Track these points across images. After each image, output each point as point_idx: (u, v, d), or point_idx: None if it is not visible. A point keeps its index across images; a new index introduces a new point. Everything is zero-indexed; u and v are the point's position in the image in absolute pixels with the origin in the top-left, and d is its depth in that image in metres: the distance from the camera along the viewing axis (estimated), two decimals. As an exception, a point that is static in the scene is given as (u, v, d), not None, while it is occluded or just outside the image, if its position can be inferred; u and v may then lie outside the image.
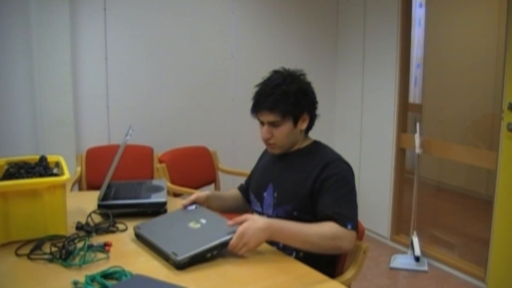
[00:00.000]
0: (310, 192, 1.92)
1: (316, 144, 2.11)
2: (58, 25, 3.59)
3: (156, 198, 2.23)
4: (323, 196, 1.89)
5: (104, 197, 2.19)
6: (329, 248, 1.78)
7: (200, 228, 1.80)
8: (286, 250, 1.89)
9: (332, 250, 1.80)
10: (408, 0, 4.25)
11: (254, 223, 1.72)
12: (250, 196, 2.21)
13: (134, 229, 1.89)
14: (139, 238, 1.86)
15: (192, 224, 1.82)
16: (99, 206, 2.14)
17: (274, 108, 1.94)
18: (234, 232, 1.70)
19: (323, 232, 1.77)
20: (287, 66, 2.08)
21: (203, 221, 1.84)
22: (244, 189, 2.36)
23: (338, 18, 5.00)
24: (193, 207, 1.99)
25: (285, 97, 1.93)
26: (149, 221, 1.94)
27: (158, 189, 2.37)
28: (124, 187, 2.41)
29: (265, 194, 2.09)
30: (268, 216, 2.03)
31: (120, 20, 3.91)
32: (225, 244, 1.68)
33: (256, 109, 2.00)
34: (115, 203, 2.17)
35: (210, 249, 1.65)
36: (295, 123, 1.99)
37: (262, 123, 2.02)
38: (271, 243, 1.86)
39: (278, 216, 1.98)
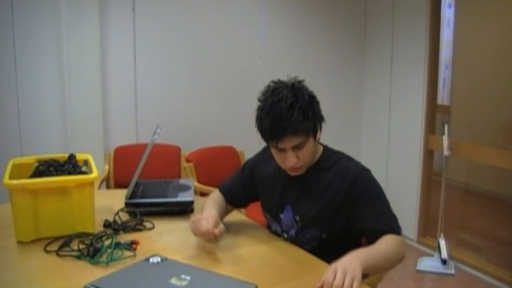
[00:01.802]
0: (338, 211, 1.82)
1: (328, 154, 1.95)
2: (88, 25, 3.64)
3: (183, 197, 2.25)
4: (359, 210, 1.80)
5: (131, 196, 2.21)
6: (399, 261, 1.74)
7: (188, 285, 1.43)
8: (298, 243, 1.88)
9: (401, 259, 1.75)
10: (437, 1, 4.21)
11: (348, 260, 1.50)
12: (265, 214, 2.10)
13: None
14: None
15: (175, 281, 1.45)
16: (127, 204, 2.16)
17: (299, 130, 1.72)
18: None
19: (394, 248, 1.70)
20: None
21: (187, 277, 1.47)
22: (230, 193, 2.16)
23: (366, 19, 4.97)
24: (158, 259, 1.62)
25: (305, 114, 1.72)
26: (109, 276, 1.52)
27: (185, 188, 2.38)
28: (152, 186, 2.43)
29: (282, 216, 1.98)
30: (291, 237, 1.94)
31: (149, 20, 3.94)
32: None
33: (278, 137, 1.74)
34: (142, 202, 2.18)
35: None
36: (315, 136, 1.82)
37: (281, 150, 1.80)
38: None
39: (305, 238, 1.89)
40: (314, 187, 1.89)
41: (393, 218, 1.81)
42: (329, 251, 1.77)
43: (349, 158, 1.96)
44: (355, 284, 1.40)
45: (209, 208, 1.95)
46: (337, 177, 1.86)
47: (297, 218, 1.91)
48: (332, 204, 1.83)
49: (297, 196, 1.94)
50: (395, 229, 1.77)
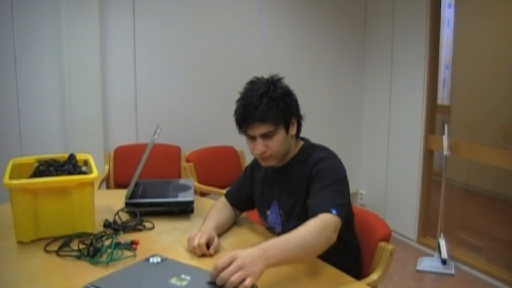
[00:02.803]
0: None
1: (307, 147, 1.98)
2: (88, 25, 3.64)
3: (183, 197, 2.25)
4: (311, 190, 1.80)
5: (131, 196, 2.21)
6: (323, 242, 1.60)
7: (188, 285, 1.43)
8: None
9: (325, 244, 1.61)
10: (437, 1, 4.21)
11: (246, 254, 1.43)
12: (258, 214, 2.14)
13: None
14: None
15: (175, 281, 1.45)
16: (127, 204, 2.16)
17: (266, 118, 1.79)
18: None
19: (314, 226, 1.59)
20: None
21: (187, 277, 1.47)
22: (235, 197, 2.21)
23: (366, 19, 4.97)
24: (158, 259, 1.62)
25: (274, 103, 1.80)
26: (109, 276, 1.51)
27: (185, 188, 2.38)
28: (152, 186, 2.43)
29: (268, 212, 2.03)
30: (278, 233, 1.97)
31: (149, 20, 3.94)
32: None
33: (246, 123, 1.86)
34: (142, 202, 2.18)
35: None
36: (287, 130, 1.86)
37: (251, 138, 1.89)
38: None
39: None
40: (291, 180, 1.93)
41: (338, 201, 1.71)
42: None
43: (325, 149, 1.95)
44: (248, 281, 1.34)
45: (207, 221, 1.97)
46: (308, 166, 1.87)
47: (281, 212, 1.97)
48: (304, 194, 1.86)
49: (279, 191, 1.98)
50: (330, 208, 1.65)
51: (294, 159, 1.96)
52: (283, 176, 1.97)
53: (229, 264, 1.38)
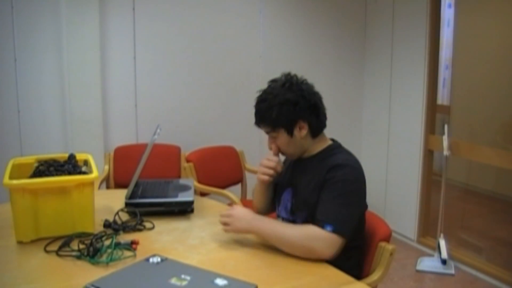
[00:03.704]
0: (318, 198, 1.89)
1: (331, 148, 2.04)
2: (88, 24, 3.63)
3: (183, 197, 2.24)
4: (320, 198, 1.87)
5: (131, 196, 2.21)
6: (303, 249, 1.75)
7: (188, 285, 1.44)
8: None
9: (305, 252, 1.74)
10: (437, 1, 4.21)
11: (240, 212, 1.90)
12: (275, 200, 2.20)
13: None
14: None
15: (175, 281, 1.46)
16: (127, 204, 2.16)
17: (262, 122, 1.98)
18: None
19: (299, 232, 1.78)
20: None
21: (187, 277, 1.48)
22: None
23: (366, 19, 4.97)
24: (158, 259, 1.63)
25: (268, 111, 1.92)
26: (109, 276, 1.52)
27: (185, 188, 2.38)
28: (152, 186, 2.43)
29: (282, 197, 2.08)
30: (287, 219, 2.03)
31: (149, 20, 3.94)
32: None
33: (255, 121, 2.03)
34: (142, 202, 2.18)
35: None
36: (290, 133, 1.95)
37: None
38: None
39: (299, 220, 1.96)
40: (307, 172, 1.99)
41: (334, 213, 1.79)
42: None
43: (347, 154, 2.00)
44: (227, 228, 1.88)
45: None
46: (325, 166, 1.92)
47: (293, 200, 2.02)
48: (315, 191, 1.91)
49: (296, 181, 2.05)
50: (322, 222, 1.77)
51: (318, 155, 2.02)
52: (304, 168, 2.04)
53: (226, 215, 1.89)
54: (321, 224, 1.76)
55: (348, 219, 1.81)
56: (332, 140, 2.09)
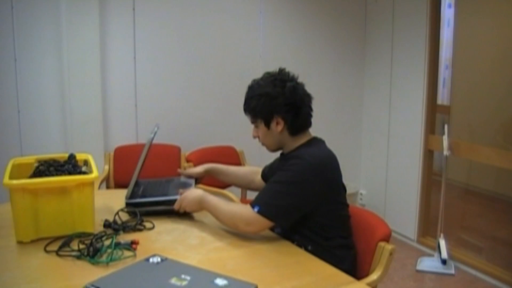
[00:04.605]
0: None
1: (307, 145, 2.08)
2: (88, 25, 3.64)
3: None
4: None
5: (132, 195, 2.20)
6: (229, 224, 1.97)
7: (188, 285, 1.43)
8: (299, 244, 1.92)
9: (231, 227, 1.97)
10: (437, 1, 4.22)
11: (192, 193, 2.10)
12: None
13: None
14: None
15: (175, 281, 1.45)
16: (127, 204, 2.16)
17: (245, 110, 2.13)
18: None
19: (231, 209, 1.97)
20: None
21: (187, 277, 1.48)
22: (266, 168, 2.46)
23: (366, 19, 4.98)
24: (158, 259, 1.62)
25: (249, 102, 2.09)
26: (109, 276, 1.51)
27: (185, 185, 2.38)
28: (152, 185, 2.43)
29: None
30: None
31: (149, 20, 3.94)
32: None
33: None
34: (142, 201, 2.18)
35: None
36: (267, 126, 2.06)
37: None
38: (287, 237, 1.93)
39: None
40: (281, 169, 2.03)
41: (265, 197, 1.93)
42: (294, 231, 1.97)
43: (317, 148, 2.04)
44: (182, 210, 2.12)
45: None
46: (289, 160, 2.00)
47: None
48: None
49: (270, 176, 2.16)
50: (252, 202, 1.91)
51: (293, 152, 2.06)
52: (281, 163, 2.15)
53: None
54: (251, 204, 1.91)
55: (279, 206, 1.90)
56: (316, 138, 2.12)
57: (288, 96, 2.01)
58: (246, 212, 1.89)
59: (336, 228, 1.97)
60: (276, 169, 2.09)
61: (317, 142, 2.09)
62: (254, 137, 2.15)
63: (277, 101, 2.00)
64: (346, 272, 1.65)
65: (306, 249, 1.89)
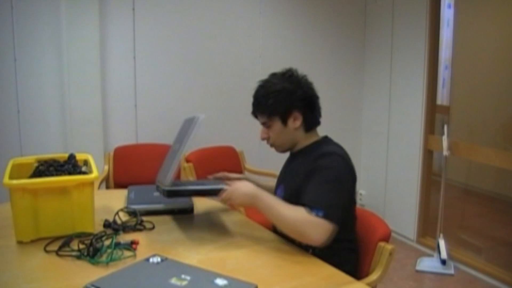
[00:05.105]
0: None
1: (321, 141, 2.07)
2: (88, 25, 3.63)
3: (218, 185, 2.02)
4: (306, 184, 1.87)
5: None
6: (295, 234, 1.78)
7: (188, 285, 1.43)
8: (302, 246, 1.88)
9: (298, 236, 1.78)
10: (437, 1, 4.22)
11: (245, 187, 1.89)
12: None
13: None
14: None
15: (175, 281, 1.45)
16: (167, 192, 1.93)
17: (258, 110, 2.04)
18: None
19: (292, 216, 1.77)
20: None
21: (187, 277, 1.47)
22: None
23: (366, 19, 4.98)
24: (158, 259, 1.62)
25: (265, 98, 1.98)
26: (109, 276, 1.51)
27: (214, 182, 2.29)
28: (182, 181, 2.40)
29: (277, 194, 2.08)
30: None
31: (149, 20, 3.94)
32: None
33: (252, 111, 2.08)
34: (185, 189, 2.04)
35: None
36: (284, 123, 2.00)
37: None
38: (290, 240, 1.89)
39: None
40: (296, 168, 2.03)
41: (323, 199, 1.79)
42: None
43: (337, 146, 2.03)
44: (229, 203, 1.94)
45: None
46: (312, 156, 1.95)
47: (283, 195, 2.04)
48: (303, 183, 1.91)
49: (287, 175, 2.12)
50: (313, 207, 1.76)
51: (306, 149, 2.05)
52: (293, 163, 2.11)
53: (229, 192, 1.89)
54: (311, 209, 1.75)
55: (337, 205, 1.80)
56: (326, 136, 2.12)
57: (306, 89, 2.01)
58: (312, 218, 1.74)
59: (346, 230, 1.95)
60: (298, 169, 2.00)
61: (330, 140, 2.09)
62: (263, 139, 2.08)
63: (296, 95, 1.98)
64: (348, 274, 1.65)
65: (314, 252, 1.84)
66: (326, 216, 1.74)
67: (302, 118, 2.00)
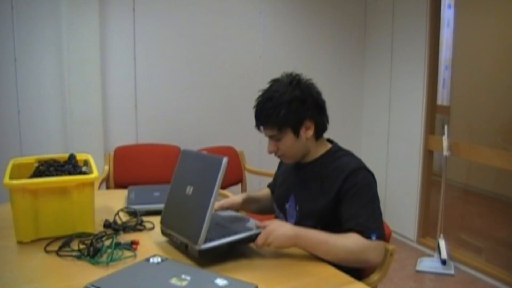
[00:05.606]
0: (333, 205, 1.85)
1: (334, 150, 2.01)
2: (88, 25, 3.63)
3: (250, 231, 1.83)
4: (345, 207, 1.81)
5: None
6: (356, 262, 1.73)
7: (188, 285, 1.43)
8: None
9: (359, 264, 1.75)
10: (437, 1, 4.22)
11: (282, 227, 1.75)
12: (274, 206, 2.16)
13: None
14: None
15: (175, 281, 1.45)
16: (201, 252, 1.64)
17: (267, 123, 1.88)
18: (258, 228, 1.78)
19: (349, 246, 1.71)
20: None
21: (187, 277, 1.47)
22: (272, 189, 2.30)
23: (366, 19, 4.98)
24: (158, 259, 1.61)
25: (276, 110, 1.84)
26: (109, 276, 1.51)
27: (240, 218, 2.21)
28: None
29: (287, 206, 2.04)
30: None
31: (149, 21, 3.94)
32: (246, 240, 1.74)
33: (257, 125, 1.94)
34: (219, 243, 1.69)
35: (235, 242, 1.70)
36: (297, 134, 1.89)
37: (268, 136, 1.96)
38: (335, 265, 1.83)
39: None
40: (314, 179, 1.95)
41: (373, 222, 1.77)
42: None
43: (354, 157, 1.97)
44: (270, 246, 1.72)
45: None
46: (336, 171, 1.89)
47: (297, 208, 1.98)
48: (327, 197, 1.87)
49: (299, 186, 2.01)
50: (366, 232, 1.73)
51: (320, 160, 1.98)
52: (307, 173, 2.00)
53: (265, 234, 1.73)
54: (365, 234, 1.73)
55: (381, 221, 1.81)
56: (329, 140, 2.07)
57: (316, 96, 1.94)
58: (370, 243, 1.72)
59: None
60: (316, 183, 1.92)
61: (339, 147, 2.04)
62: (271, 152, 1.96)
63: (308, 103, 1.89)
64: (348, 274, 1.65)
65: None
66: (379, 237, 1.74)
67: (314, 126, 1.93)
